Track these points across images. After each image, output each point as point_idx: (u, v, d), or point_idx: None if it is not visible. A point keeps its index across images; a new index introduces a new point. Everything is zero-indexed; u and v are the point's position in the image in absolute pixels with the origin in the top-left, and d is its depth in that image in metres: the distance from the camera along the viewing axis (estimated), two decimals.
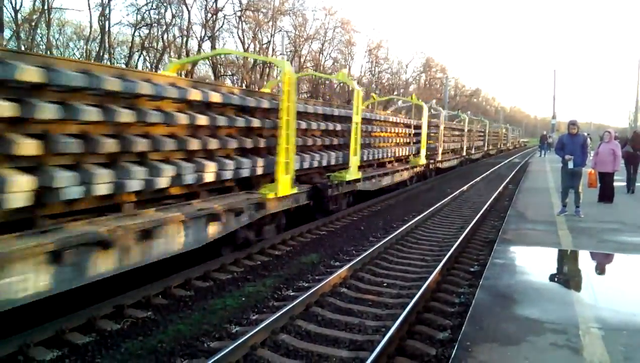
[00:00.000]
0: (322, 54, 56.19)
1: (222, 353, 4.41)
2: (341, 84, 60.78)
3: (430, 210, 12.70)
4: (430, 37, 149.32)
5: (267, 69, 48.59)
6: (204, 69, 46.29)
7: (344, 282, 6.92)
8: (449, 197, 15.43)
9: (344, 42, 57.32)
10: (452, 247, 8.47)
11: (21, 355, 4.62)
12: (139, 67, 42.93)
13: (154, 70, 41.62)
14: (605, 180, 11.60)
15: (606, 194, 11.74)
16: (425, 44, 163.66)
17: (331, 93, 60.68)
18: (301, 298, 5.91)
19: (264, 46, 48.01)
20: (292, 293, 6.63)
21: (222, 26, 43.50)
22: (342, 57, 59.52)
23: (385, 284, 7.06)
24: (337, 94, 59.71)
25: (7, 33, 32.75)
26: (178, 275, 6.81)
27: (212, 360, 4.30)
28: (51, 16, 35.29)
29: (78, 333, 5.14)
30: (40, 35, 35.66)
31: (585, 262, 7.08)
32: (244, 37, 46.38)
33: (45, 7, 33.77)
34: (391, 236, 9.43)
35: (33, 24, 33.79)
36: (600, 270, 6.89)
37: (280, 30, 43.28)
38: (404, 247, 9.20)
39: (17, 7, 33.03)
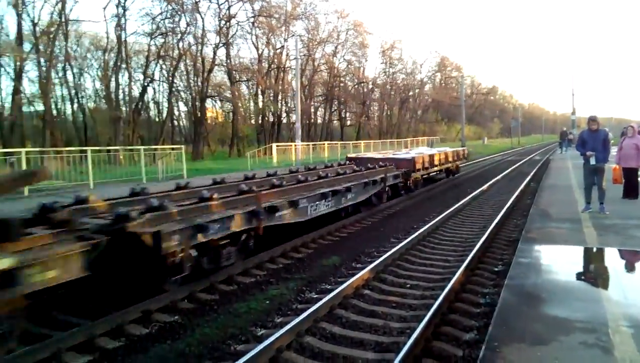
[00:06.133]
0: (336, 56, 56.23)
1: (249, 356, 4.45)
2: (356, 86, 60.85)
3: None
4: (444, 36, 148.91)
5: (282, 74, 48.79)
6: (220, 75, 46.64)
7: (367, 284, 6.93)
8: None
9: (357, 44, 57.31)
10: (475, 246, 8.42)
11: (54, 360, 4.72)
12: (156, 75, 43.44)
13: (170, 78, 42.11)
14: (630, 175, 11.38)
15: (631, 190, 11.51)
16: (439, 43, 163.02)
17: (346, 95, 60.52)
18: (324, 301, 5.93)
19: (278, 51, 48.22)
20: (315, 296, 6.65)
21: (235, 33, 43.93)
22: (356, 59, 59.48)
23: (408, 285, 7.05)
24: (351, 96, 59.64)
25: (26, 46, 33.53)
26: (204, 280, 6.89)
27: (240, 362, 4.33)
28: (68, 28, 35.95)
29: (108, 338, 5.24)
30: (59, 47, 36.32)
31: (612, 259, 6.96)
32: (257, 42, 46.68)
33: (62, 19, 34.41)
34: (412, 237, 9.40)
35: (51, 36, 34.43)
36: (628, 267, 6.77)
37: (294, 35, 43.41)
38: (426, 247, 9.16)
39: (35, 20, 33.69)
